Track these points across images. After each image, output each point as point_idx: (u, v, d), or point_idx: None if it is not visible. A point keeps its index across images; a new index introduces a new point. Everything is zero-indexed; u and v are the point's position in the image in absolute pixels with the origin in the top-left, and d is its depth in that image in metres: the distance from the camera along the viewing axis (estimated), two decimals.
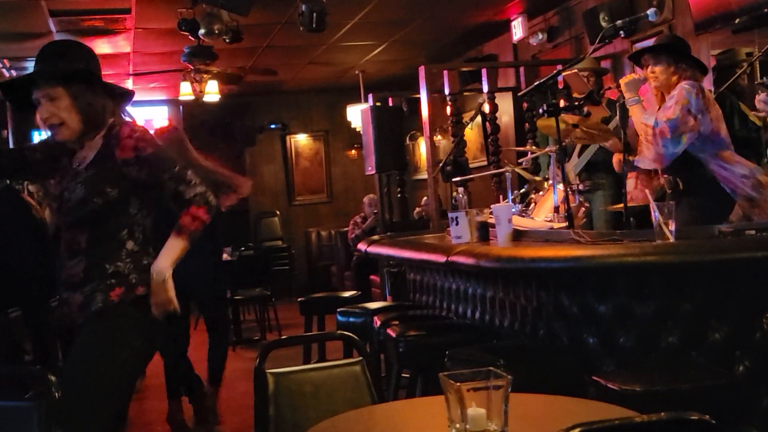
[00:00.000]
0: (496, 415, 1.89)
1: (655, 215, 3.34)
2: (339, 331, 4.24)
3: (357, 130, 11.35)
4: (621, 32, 5.73)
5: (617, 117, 5.72)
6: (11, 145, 10.33)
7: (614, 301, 3.49)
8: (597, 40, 4.47)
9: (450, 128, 7.89)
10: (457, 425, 1.90)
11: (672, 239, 3.28)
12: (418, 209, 10.32)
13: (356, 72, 11.60)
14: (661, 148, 4.24)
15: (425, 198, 10.17)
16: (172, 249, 2.96)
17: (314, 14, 6.98)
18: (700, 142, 4.29)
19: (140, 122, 12.34)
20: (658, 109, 4.38)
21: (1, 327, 6.30)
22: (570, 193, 4.28)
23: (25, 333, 6.60)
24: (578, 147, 5.77)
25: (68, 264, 2.99)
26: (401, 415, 2.31)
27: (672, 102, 4.26)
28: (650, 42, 6.52)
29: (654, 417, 1.53)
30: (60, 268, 3.02)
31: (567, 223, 4.10)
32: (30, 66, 8.89)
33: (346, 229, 11.12)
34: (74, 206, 2.96)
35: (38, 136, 9.62)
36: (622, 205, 4.28)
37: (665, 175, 4.45)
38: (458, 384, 1.89)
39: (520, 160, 6.33)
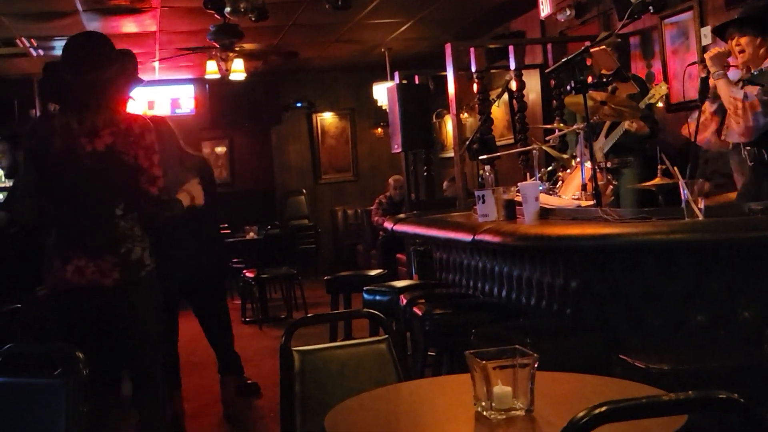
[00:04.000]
0: (522, 394, 1.89)
1: (684, 193, 3.30)
2: (365, 309, 4.23)
3: (383, 108, 11.31)
4: (650, 8, 5.66)
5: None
6: None
7: (642, 280, 3.46)
8: (626, 16, 4.42)
9: (477, 106, 7.84)
10: (483, 403, 1.90)
11: (701, 217, 3.25)
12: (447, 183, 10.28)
13: (382, 50, 11.55)
14: (750, 121, 4.17)
15: (448, 179, 10.14)
16: None
17: None
18: None
19: (166, 102, 12.25)
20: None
21: None
22: (598, 170, 4.25)
23: None
24: (605, 128, 5.73)
25: None
26: (427, 393, 2.31)
27: None
28: (683, 16, 6.47)
29: (682, 396, 1.51)
30: None
31: (594, 201, 4.08)
32: (58, 45, 8.96)
33: (371, 207, 11.11)
34: None
35: None
36: (652, 182, 4.23)
37: (748, 147, 4.38)
38: (484, 362, 1.89)
39: (547, 138, 6.29)
